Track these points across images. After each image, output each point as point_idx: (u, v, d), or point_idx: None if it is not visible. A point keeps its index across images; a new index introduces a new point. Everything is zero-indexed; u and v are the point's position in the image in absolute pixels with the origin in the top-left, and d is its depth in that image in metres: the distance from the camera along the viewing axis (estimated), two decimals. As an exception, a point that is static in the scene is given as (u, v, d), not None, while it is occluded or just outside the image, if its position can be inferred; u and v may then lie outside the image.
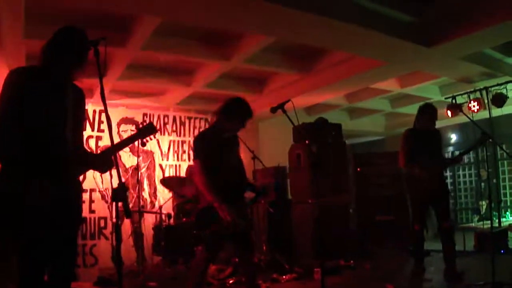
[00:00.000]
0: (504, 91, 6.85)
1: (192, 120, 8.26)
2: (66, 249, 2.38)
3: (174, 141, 8.05)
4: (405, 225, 6.25)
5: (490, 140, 4.62)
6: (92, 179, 6.63)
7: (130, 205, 6.67)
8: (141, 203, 7.00)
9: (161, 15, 4.49)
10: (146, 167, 7.67)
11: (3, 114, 2.22)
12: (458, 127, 10.54)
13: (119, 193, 2.10)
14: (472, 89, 7.20)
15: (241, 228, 3.43)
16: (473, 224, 8.57)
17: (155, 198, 7.62)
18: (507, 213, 9.29)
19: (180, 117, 8.15)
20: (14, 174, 2.16)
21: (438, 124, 5.17)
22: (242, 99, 3.67)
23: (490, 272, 3.93)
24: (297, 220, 6.84)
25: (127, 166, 7.32)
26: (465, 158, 9.44)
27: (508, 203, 9.88)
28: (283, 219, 6.86)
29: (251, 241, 3.73)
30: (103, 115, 7.01)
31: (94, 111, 7.16)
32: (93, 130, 7.13)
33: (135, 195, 6.91)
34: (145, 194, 7.61)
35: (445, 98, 7.93)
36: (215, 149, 3.52)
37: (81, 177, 2.58)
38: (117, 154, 2.50)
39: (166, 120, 8.00)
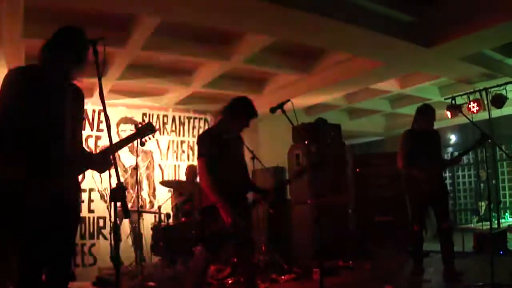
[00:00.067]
0: (503, 92, 6.85)
1: (191, 120, 8.26)
2: (64, 248, 2.38)
3: (173, 141, 8.04)
4: (404, 225, 6.22)
5: (490, 141, 4.62)
6: (91, 179, 6.62)
7: (129, 205, 6.64)
8: (140, 203, 7.00)
9: (160, 15, 4.49)
10: (145, 167, 7.67)
11: (2, 114, 2.22)
12: (458, 128, 10.55)
13: (117, 193, 2.10)
14: (471, 90, 7.20)
15: (242, 229, 3.42)
16: (472, 225, 8.58)
17: (154, 198, 7.61)
18: (506, 214, 9.29)
19: (180, 117, 8.15)
20: (14, 174, 2.16)
21: (438, 125, 5.17)
22: (246, 98, 3.68)
23: (489, 273, 3.93)
24: (296, 220, 6.85)
25: (126, 165, 7.32)
26: (464, 159, 9.46)
27: (507, 204, 9.88)
28: (282, 219, 6.86)
29: (251, 242, 3.72)
30: (103, 114, 7.00)
31: (94, 111, 7.16)
32: (92, 130, 7.13)
33: (134, 195, 6.91)
34: (144, 194, 7.60)
35: (445, 99, 7.92)
36: (219, 148, 3.52)
37: (80, 177, 2.57)
38: (116, 153, 2.49)
39: (165, 120, 8.00)
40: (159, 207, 6.50)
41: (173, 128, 8.07)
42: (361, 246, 6.90)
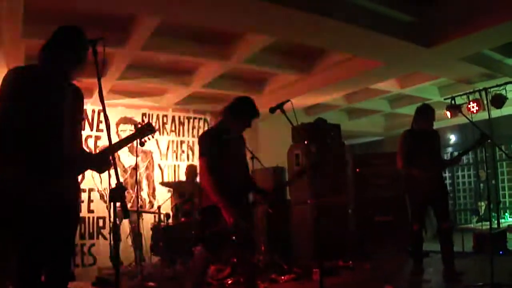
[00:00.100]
0: (503, 92, 6.84)
1: (191, 120, 8.26)
2: (64, 249, 2.38)
3: (173, 141, 8.04)
4: (404, 225, 6.23)
5: (489, 141, 4.62)
6: (91, 179, 6.53)
7: (129, 205, 6.65)
8: (140, 203, 7.00)
9: (160, 15, 4.49)
10: (145, 167, 7.67)
11: (1, 114, 2.21)
12: (457, 128, 10.55)
13: (117, 193, 2.09)
14: (471, 90, 7.20)
15: (243, 229, 3.41)
16: (472, 225, 8.58)
17: (154, 198, 7.61)
18: (506, 214, 9.29)
19: (179, 117, 8.15)
20: (14, 174, 2.16)
21: (437, 125, 5.16)
22: (248, 98, 3.67)
23: (489, 273, 3.93)
24: (296, 220, 6.85)
25: (126, 166, 7.32)
26: (464, 159, 9.45)
27: (507, 204, 9.88)
28: (282, 219, 6.86)
29: (252, 242, 3.71)
30: (102, 114, 7.00)
31: (93, 111, 7.16)
32: (92, 130, 7.13)
33: (133, 195, 6.90)
34: (144, 194, 7.60)
35: (444, 99, 7.92)
36: (220, 148, 3.51)
37: (79, 177, 2.57)
38: (116, 154, 2.49)
39: (165, 120, 8.00)
40: (159, 207, 6.50)
41: (173, 128, 8.07)
42: (361, 246, 6.89)
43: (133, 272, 5.82)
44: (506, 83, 6.79)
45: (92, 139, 7.14)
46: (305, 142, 5.20)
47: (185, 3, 4.17)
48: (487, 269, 3.95)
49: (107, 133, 2.19)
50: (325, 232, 5.06)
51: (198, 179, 7.44)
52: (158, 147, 7.84)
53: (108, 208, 6.99)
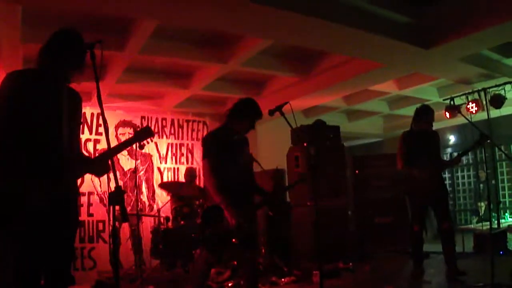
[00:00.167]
0: (502, 92, 6.85)
1: (190, 123, 8.25)
2: (63, 252, 2.37)
3: (172, 144, 8.03)
4: (404, 227, 6.24)
5: (489, 141, 4.62)
6: (90, 182, 6.61)
7: (128, 208, 6.65)
8: (139, 206, 6.98)
9: (159, 18, 4.49)
10: (144, 170, 7.65)
11: (0, 116, 2.21)
12: (457, 129, 10.55)
13: (116, 196, 2.09)
14: (470, 91, 7.20)
15: (245, 231, 3.41)
16: (472, 226, 8.56)
17: (153, 201, 7.60)
18: (506, 214, 9.28)
19: (178, 120, 8.14)
20: (14, 174, 2.15)
21: (437, 126, 5.17)
22: (252, 100, 3.68)
23: (489, 273, 3.92)
24: (296, 222, 6.84)
25: (125, 169, 7.30)
26: (464, 160, 9.46)
27: (507, 204, 9.88)
28: (282, 221, 6.85)
29: (255, 244, 3.70)
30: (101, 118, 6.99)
31: (92, 114, 7.14)
32: (91, 133, 7.11)
33: (133, 198, 6.89)
34: (143, 197, 7.59)
35: (443, 100, 7.92)
36: (224, 149, 3.52)
37: (79, 180, 2.57)
38: (115, 157, 2.49)
39: (164, 123, 7.99)
40: (159, 210, 6.50)
41: (172, 131, 8.05)
42: (361, 248, 6.89)
43: (133, 275, 5.80)
44: (505, 83, 6.80)
45: (92, 142, 7.11)
46: (305, 144, 5.21)
47: (184, 6, 4.17)
48: (488, 270, 3.95)
49: (106, 136, 2.19)
50: (325, 234, 5.06)
51: (197, 182, 7.46)
52: (158, 150, 7.82)
53: (108, 212, 6.99)
